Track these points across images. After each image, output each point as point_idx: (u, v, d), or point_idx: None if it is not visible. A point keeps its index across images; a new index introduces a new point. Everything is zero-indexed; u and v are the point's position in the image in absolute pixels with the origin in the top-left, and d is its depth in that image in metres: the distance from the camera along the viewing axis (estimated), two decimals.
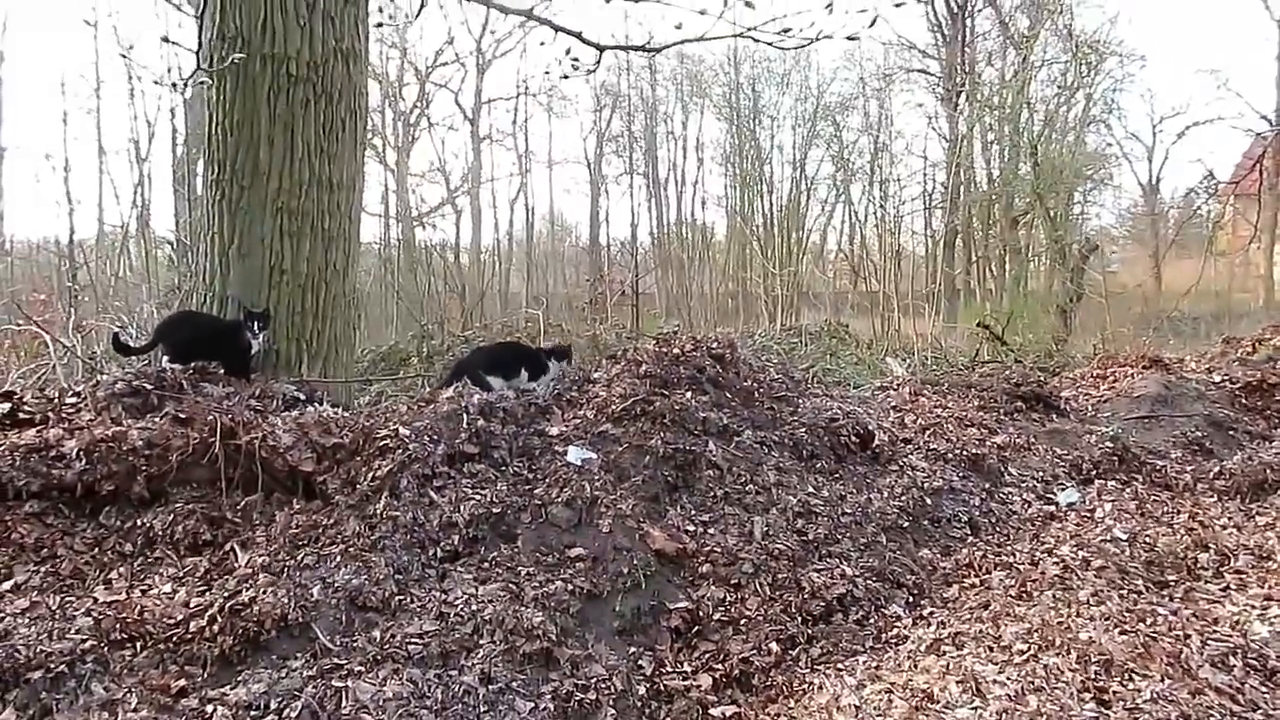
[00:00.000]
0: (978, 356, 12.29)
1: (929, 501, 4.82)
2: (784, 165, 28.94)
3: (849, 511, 4.54)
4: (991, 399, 6.90)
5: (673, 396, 4.83)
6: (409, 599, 3.70)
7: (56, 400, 4.55)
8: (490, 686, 3.35)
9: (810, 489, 4.63)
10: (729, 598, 3.94)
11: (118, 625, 3.48)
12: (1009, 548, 4.52)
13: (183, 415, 4.36)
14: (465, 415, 4.42)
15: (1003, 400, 6.91)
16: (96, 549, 4.03)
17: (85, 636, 3.41)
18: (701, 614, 3.86)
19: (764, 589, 3.98)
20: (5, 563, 3.90)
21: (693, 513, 4.34)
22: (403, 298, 17.83)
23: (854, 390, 7.82)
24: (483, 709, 3.27)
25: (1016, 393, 7.03)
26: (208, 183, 5.33)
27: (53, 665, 3.29)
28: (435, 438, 4.31)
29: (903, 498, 4.78)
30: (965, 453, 5.43)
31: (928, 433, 5.76)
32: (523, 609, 3.64)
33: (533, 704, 3.30)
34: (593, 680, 3.44)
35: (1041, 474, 5.51)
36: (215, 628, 3.47)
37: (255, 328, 4.95)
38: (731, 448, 4.72)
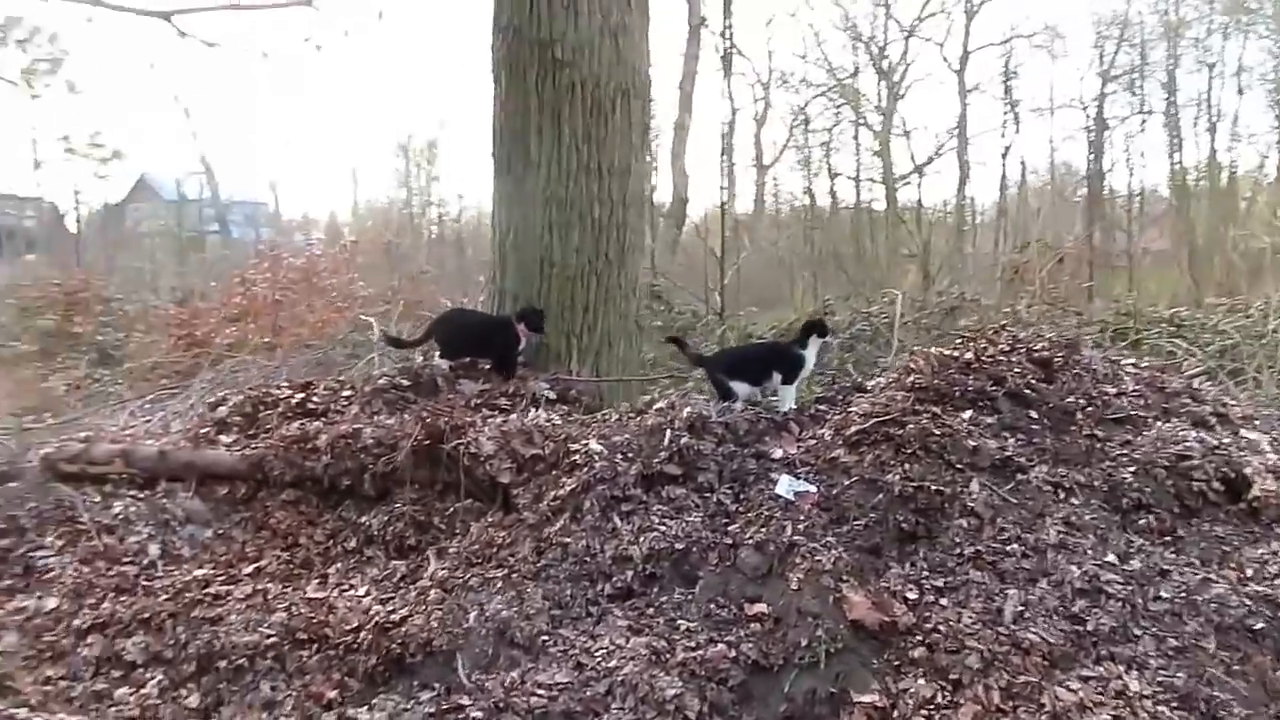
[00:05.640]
0: None
1: None
2: None
3: (1165, 595, 3.21)
4: None
5: (940, 416, 3.83)
6: (555, 641, 3.35)
7: (336, 392, 4.90)
8: None
9: (1111, 556, 3.36)
10: (940, 698, 2.98)
11: (304, 626, 3.60)
12: None
13: (425, 415, 4.42)
14: (670, 430, 3.90)
15: None
16: (330, 541, 4.26)
17: (274, 633, 3.58)
18: (896, 714, 2.97)
19: (990, 695, 2.95)
20: (259, 546, 4.28)
21: (924, 574, 3.38)
22: (842, 265, 17.25)
23: None
24: None
25: None
26: (494, 178, 5.37)
27: (236, 657, 3.50)
28: (632, 455, 3.87)
29: (1277, 581, 3.28)
30: None
31: None
32: (661, 675, 3.09)
33: None
34: None
35: None
36: (368, 643, 3.45)
37: (524, 327, 4.89)
38: (1006, 489, 3.61)
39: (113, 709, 3.41)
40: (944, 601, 3.29)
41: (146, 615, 3.70)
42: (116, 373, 10.66)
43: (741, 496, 3.75)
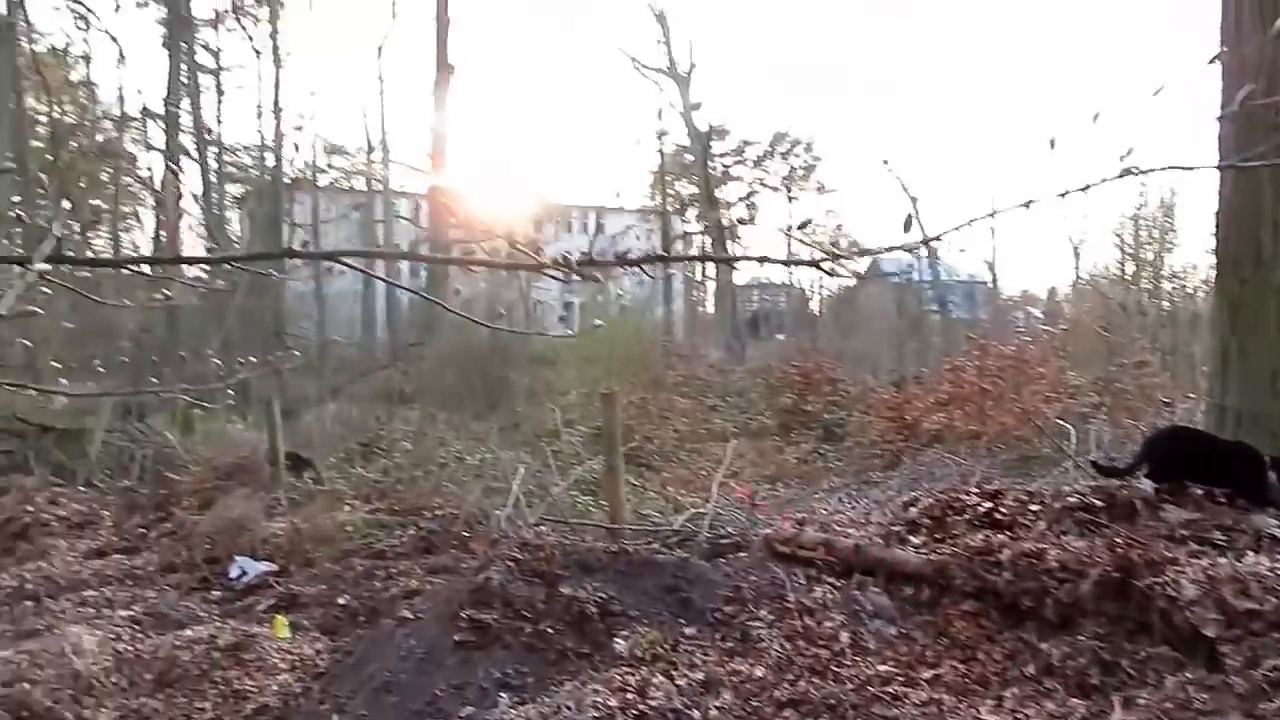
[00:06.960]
0: None
1: None
2: None
3: None
4: None
5: None
6: None
7: (1024, 504, 4.77)
8: None
9: None
10: None
11: None
12: None
13: (1118, 543, 4.08)
14: None
15: None
16: (1008, 661, 4.15)
17: None
18: None
19: None
20: (938, 653, 4.36)
21: None
22: None
23: None
24: None
25: None
26: (1214, 279, 4.75)
27: None
28: None
29: None
30: None
31: None
32: None
33: None
34: None
35: None
36: None
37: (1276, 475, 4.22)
38: None
39: None
40: None
41: (833, 701, 4.02)
42: (837, 450, 11.83)
43: None
